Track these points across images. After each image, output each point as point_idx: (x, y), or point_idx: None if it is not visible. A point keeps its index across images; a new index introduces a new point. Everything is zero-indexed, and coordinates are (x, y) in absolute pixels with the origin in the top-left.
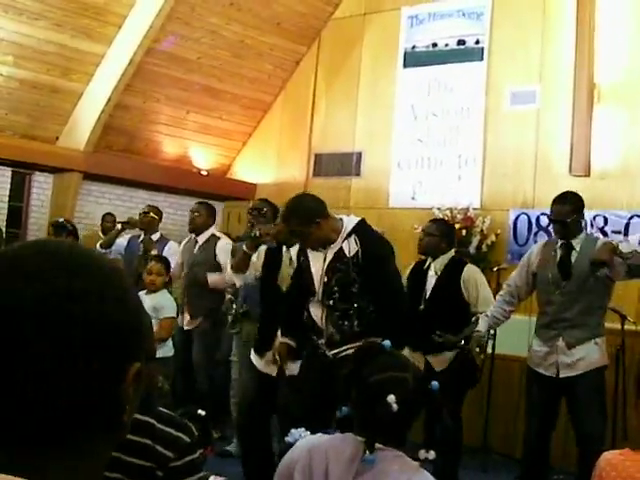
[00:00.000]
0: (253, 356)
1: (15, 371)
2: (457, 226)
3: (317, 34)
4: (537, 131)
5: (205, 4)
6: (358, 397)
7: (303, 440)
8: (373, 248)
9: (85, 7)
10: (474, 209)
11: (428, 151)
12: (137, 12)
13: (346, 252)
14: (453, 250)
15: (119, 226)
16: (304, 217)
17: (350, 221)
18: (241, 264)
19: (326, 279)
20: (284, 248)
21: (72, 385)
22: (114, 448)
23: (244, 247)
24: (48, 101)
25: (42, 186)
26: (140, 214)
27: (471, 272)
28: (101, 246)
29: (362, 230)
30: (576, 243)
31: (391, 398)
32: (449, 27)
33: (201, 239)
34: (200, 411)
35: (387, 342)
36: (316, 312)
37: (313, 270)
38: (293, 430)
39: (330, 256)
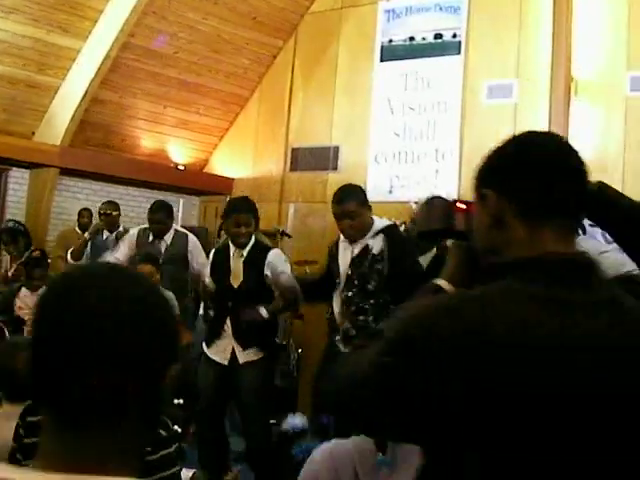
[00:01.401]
0: (205, 348)
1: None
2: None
3: (294, 28)
4: (514, 125)
5: None
6: None
7: (321, 448)
8: (399, 249)
9: (61, 1)
10: None
11: (405, 145)
12: (113, 7)
13: (372, 249)
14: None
15: (87, 235)
16: (362, 198)
17: (381, 222)
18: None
19: (350, 272)
20: (232, 247)
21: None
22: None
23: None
24: (24, 96)
25: (18, 182)
26: (102, 215)
27: None
28: (73, 259)
29: (391, 232)
30: None
31: None
32: (426, 21)
33: (168, 238)
34: (177, 400)
35: None
36: (336, 305)
37: (340, 262)
38: (289, 417)
39: (357, 250)
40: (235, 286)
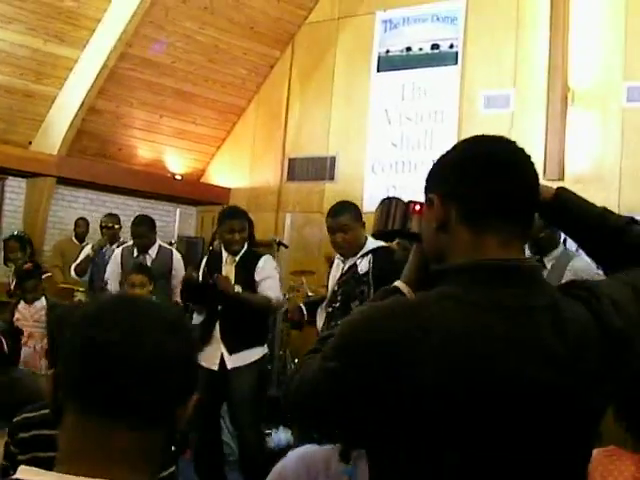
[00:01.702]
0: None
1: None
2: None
3: (291, 38)
4: (511, 135)
5: (179, 8)
6: None
7: (296, 450)
8: (384, 273)
9: (59, 11)
10: None
11: (402, 155)
12: (111, 16)
13: (359, 268)
14: None
15: (91, 253)
16: (355, 213)
17: (374, 243)
18: None
19: (336, 287)
20: (225, 253)
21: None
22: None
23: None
24: (21, 105)
25: (15, 191)
26: (104, 229)
27: None
28: (77, 274)
29: (380, 255)
30: (548, 260)
31: None
32: (423, 31)
33: (152, 252)
34: None
35: None
36: (319, 319)
37: (330, 277)
38: (273, 433)
39: (346, 267)
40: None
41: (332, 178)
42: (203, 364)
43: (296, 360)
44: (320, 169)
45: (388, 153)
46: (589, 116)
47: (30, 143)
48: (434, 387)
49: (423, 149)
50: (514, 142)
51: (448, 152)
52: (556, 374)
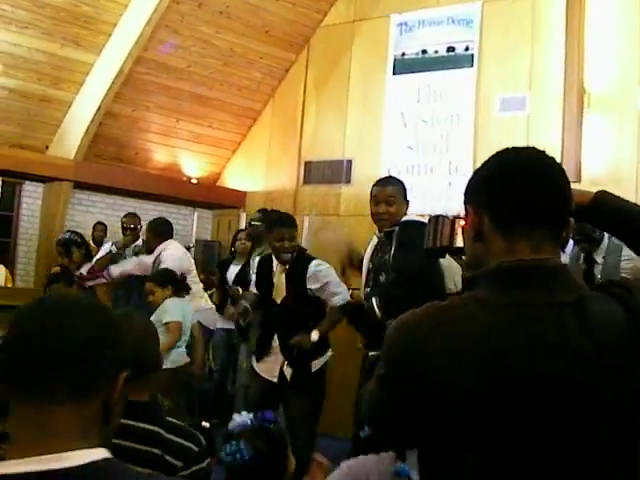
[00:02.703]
0: (255, 364)
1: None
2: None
3: (306, 41)
4: (527, 138)
5: (195, 13)
6: None
7: (341, 466)
8: (405, 243)
9: (75, 16)
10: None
11: (418, 158)
12: (127, 21)
13: (385, 241)
14: None
15: (114, 249)
16: (403, 189)
17: (408, 217)
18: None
19: (370, 266)
20: (275, 261)
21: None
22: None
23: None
24: (38, 110)
25: (32, 195)
26: (126, 230)
27: None
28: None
29: (406, 225)
30: (598, 255)
31: None
32: (438, 34)
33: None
34: (204, 423)
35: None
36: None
37: (365, 257)
38: (235, 415)
39: (373, 244)
40: (278, 301)
41: (348, 181)
42: (263, 375)
43: None
44: (336, 172)
45: (404, 156)
46: (605, 119)
47: (47, 148)
48: (459, 387)
49: (439, 152)
50: (543, 151)
51: (482, 164)
52: (581, 370)
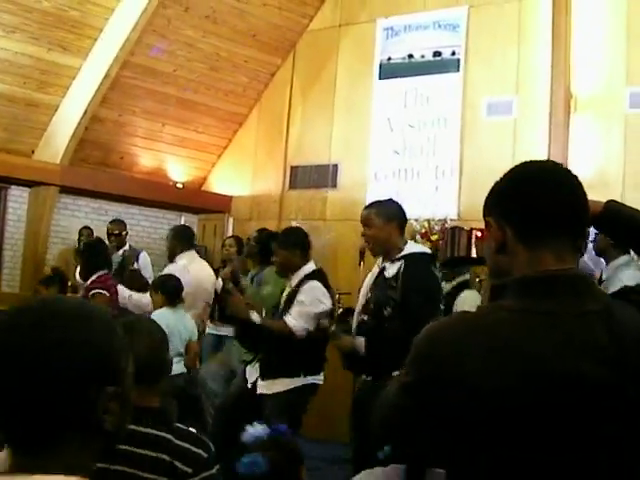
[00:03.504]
0: (248, 368)
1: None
2: (434, 237)
3: (292, 46)
4: (514, 141)
5: (181, 17)
6: None
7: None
8: (411, 282)
9: (61, 20)
10: (451, 220)
11: (405, 162)
12: (113, 25)
13: (386, 273)
14: None
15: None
16: (385, 211)
17: (413, 247)
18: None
19: (369, 294)
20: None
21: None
22: (99, 450)
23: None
24: (24, 114)
25: (18, 200)
26: (112, 236)
27: None
28: (82, 279)
29: (412, 261)
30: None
31: None
32: (425, 38)
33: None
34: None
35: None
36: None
37: (364, 283)
38: (249, 428)
39: (375, 272)
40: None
41: (334, 186)
42: (247, 377)
43: None
44: (322, 177)
45: (391, 160)
46: (592, 122)
47: (33, 152)
48: (494, 392)
49: (426, 156)
50: (560, 164)
51: (501, 177)
52: (608, 371)
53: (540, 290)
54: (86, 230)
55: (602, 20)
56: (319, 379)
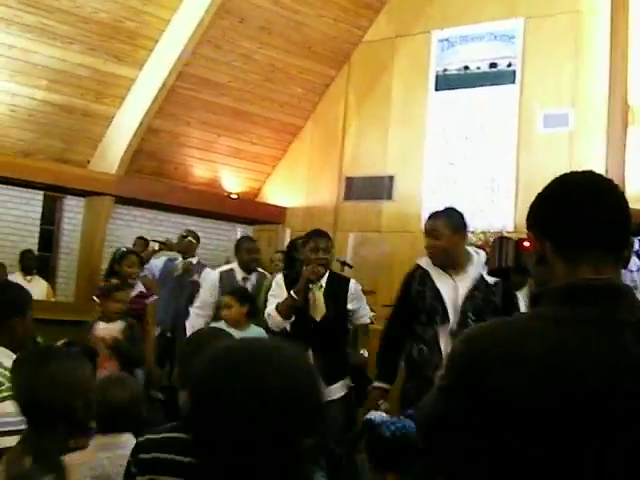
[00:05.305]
0: None
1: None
2: (490, 249)
3: (347, 57)
4: (570, 154)
5: (237, 28)
6: None
7: None
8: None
9: (117, 31)
10: (507, 232)
11: (460, 174)
12: (169, 36)
13: (485, 279)
14: None
15: (156, 246)
16: (454, 222)
17: (483, 254)
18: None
19: (464, 306)
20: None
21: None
22: None
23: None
24: (80, 125)
25: (73, 209)
26: (179, 237)
27: None
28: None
29: None
30: None
31: None
32: (481, 50)
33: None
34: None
35: None
36: (443, 342)
37: (444, 294)
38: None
39: (469, 282)
40: (317, 318)
41: (390, 197)
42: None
43: None
44: (378, 188)
45: (446, 172)
46: None
47: (88, 162)
48: (529, 399)
49: (481, 168)
50: (600, 175)
51: (543, 190)
52: (630, 384)
53: (576, 299)
54: (141, 240)
55: None
56: None
